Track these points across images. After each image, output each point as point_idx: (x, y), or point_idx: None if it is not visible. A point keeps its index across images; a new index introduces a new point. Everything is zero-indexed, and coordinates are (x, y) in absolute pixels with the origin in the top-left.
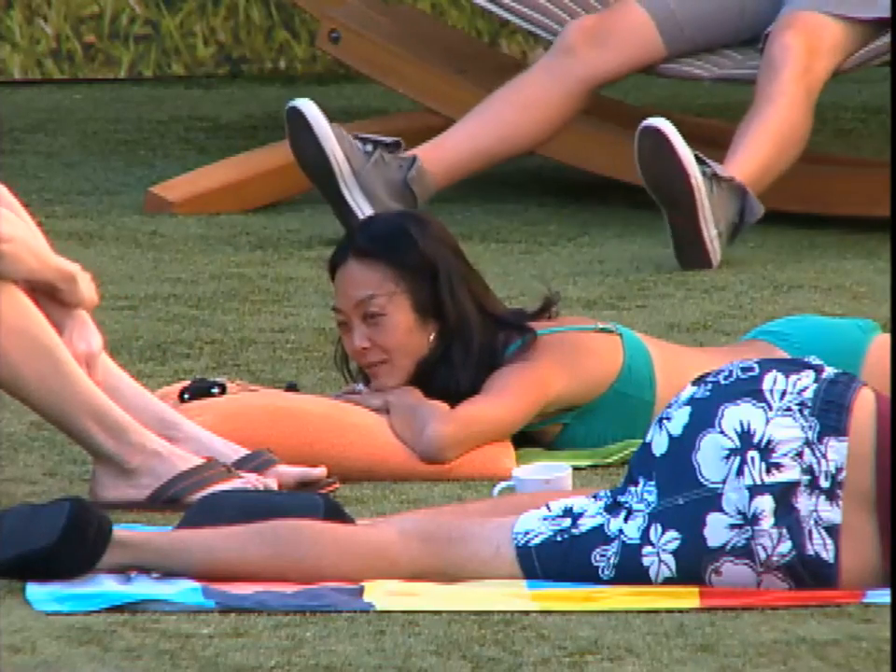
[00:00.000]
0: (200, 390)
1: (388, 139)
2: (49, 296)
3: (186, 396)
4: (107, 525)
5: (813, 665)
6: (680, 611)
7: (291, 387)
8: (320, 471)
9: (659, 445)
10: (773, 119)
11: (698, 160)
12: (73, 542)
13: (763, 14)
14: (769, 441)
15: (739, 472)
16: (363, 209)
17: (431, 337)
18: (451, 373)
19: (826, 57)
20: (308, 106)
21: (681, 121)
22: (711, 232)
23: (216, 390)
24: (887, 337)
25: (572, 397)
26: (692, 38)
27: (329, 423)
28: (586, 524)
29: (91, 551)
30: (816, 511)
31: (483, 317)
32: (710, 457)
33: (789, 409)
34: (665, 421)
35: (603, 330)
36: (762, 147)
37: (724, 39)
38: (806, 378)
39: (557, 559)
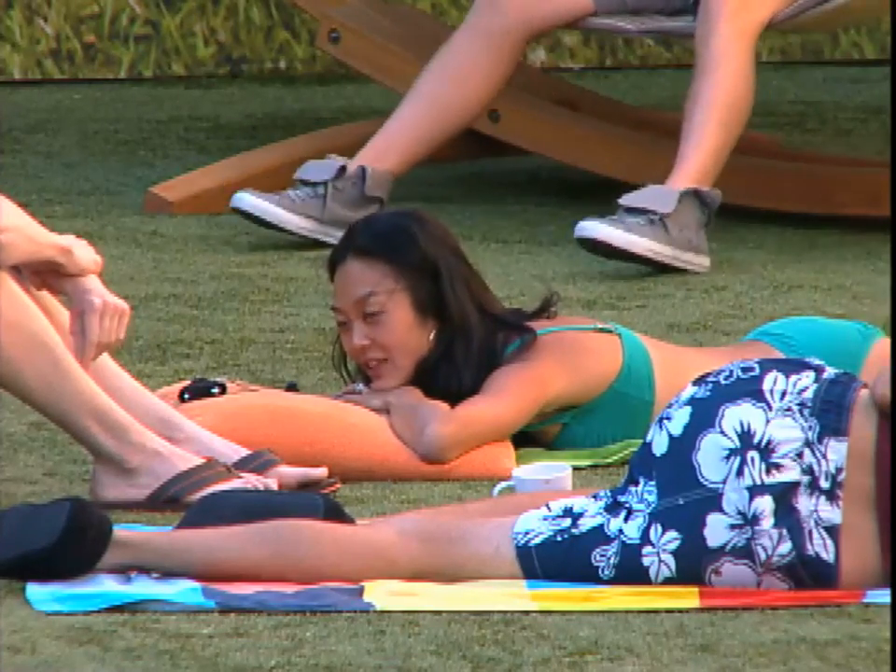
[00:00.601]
0: (200, 390)
1: (331, 171)
2: (54, 272)
3: (186, 396)
4: (107, 525)
5: (813, 665)
6: (680, 611)
7: (291, 387)
8: (321, 472)
9: (659, 445)
10: (717, 94)
11: (635, 211)
12: (73, 542)
13: None
14: (769, 442)
15: (739, 472)
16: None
17: (431, 336)
18: (451, 373)
19: (760, 6)
20: (249, 201)
21: (681, 121)
22: (685, 259)
23: (216, 390)
24: (887, 342)
25: (571, 397)
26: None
27: (329, 423)
28: (586, 524)
29: (92, 551)
30: (816, 511)
31: (482, 317)
32: (710, 457)
33: (789, 409)
34: (665, 421)
35: (602, 331)
36: (711, 133)
37: (655, 4)
38: (807, 378)
39: (557, 559)
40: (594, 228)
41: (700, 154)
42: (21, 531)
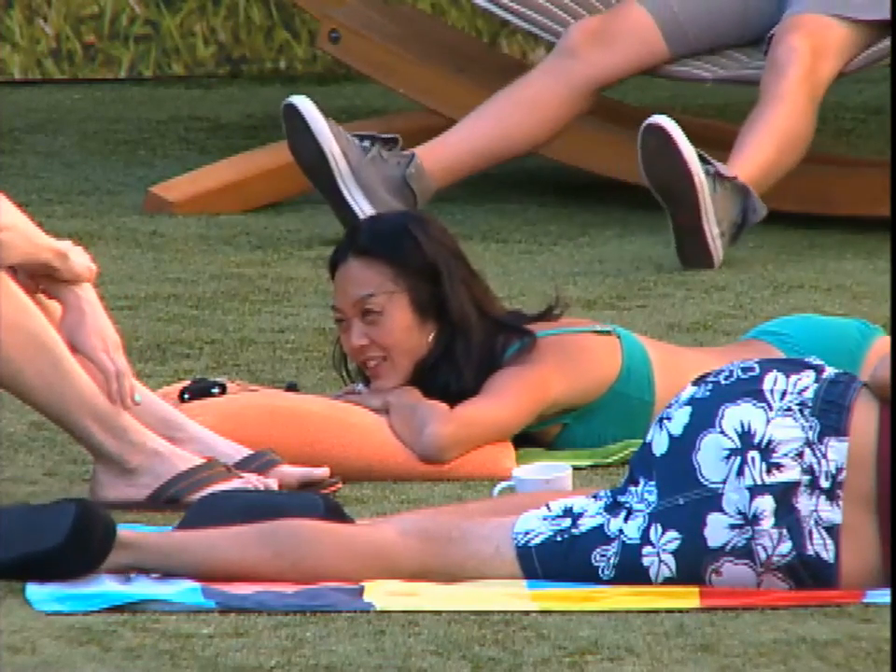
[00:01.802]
0: (200, 390)
1: (386, 136)
2: (48, 276)
3: (186, 396)
4: (112, 526)
5: (813, 665)
6: (680, 611)
7: (291, 387)
8: (322, 472)
9: (659, 445)
10: (777, 121)
11: (702, 159)
12: (79, 544)
13: (766, 15)
14: (769, 442)
15: (740, 472)
16: (362, 206)
17: (430, 337)
18: (450, 374)
19: (831, 59)
20: (304, 103)
21: (681, 122)
22: (714, 231)
23: (216, 390)
24: (887, 340)
25: (570, 400)
26: (695, 40)
27: (330, 423)
28: (586, 524)
29: (97, 551)
30: (816, 511)
31: (482, 319)
32: (711, 457)
33: (789, 409)
34: (665, 421)
35: (601, 332)
36: (764, 148)
37: (727, 41)
38: (807, 378)
39: (557, 559)
40: (669, 122)
41: (753, 160)
42: (23, 531)
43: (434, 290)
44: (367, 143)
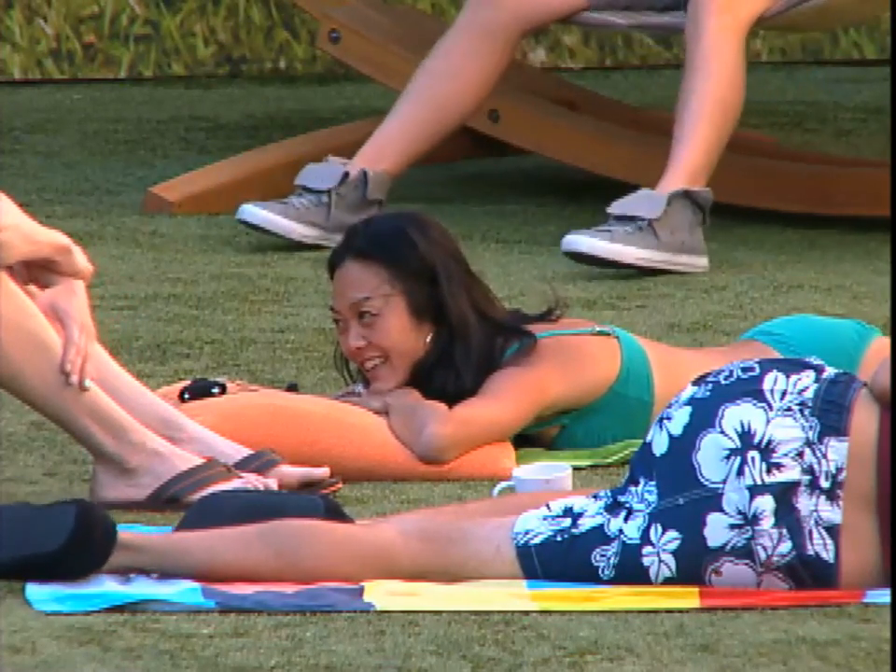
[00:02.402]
0: (200, 390)
1: (335, 178)
2: (45, 267)
3: (186, 396)
4: (112, 527)
5: (813, 665)
6: (680, 611)
7: (291, 387)
8: (323, 472)
9: (659, 445)
10: (707, 94)
11: (626, 220)
12: (80, 547)
13: None
14: (770, 441)
15: (740, 472)
16: None
17: (427, 339)
18: (448, 375)
19: (748, 2)
20: (252, 213)
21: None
22: (680, 261)
23: (216, 390)
24: (885, 341)
25: (569, 401)
26: None
27: (329, 423)
28: (586, 523)
29: (98, 554)
30: (816, 511)
31: (480, 321)
32: (711, 457)
33: (789, 409)
34: (665, 421)
35: (600, 333)
36: (702, 134)
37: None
38: (807, 378)
39: (557, 559)
40: (579, 241)
41: (691, 154)
42: (23, 533)
43: (431, 293)
44: (325, 197)
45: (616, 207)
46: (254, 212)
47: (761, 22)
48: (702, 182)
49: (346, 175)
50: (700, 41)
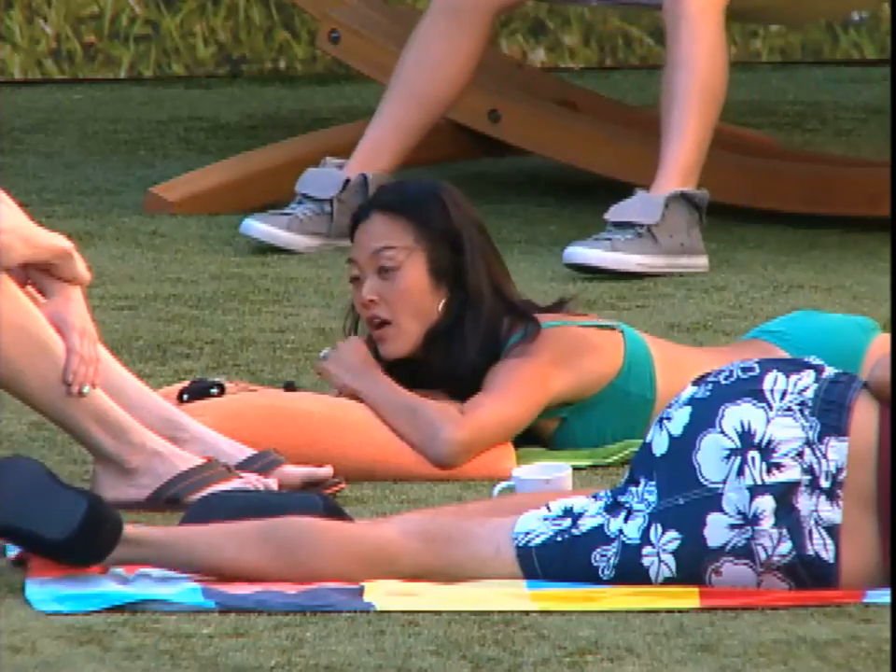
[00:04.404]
0: (198, 391)
1: (337, 185)
2: (44, 270)
3: (184, 397)
4: (119, 525)
5: (813, 665)
6: (680, 611)
7: (289, 386)
8: (326, 471)
9: (659, 445)
10: (690, 85)
11: (622, 225)
12: (85, 541)
13: None
14: (770, 441)
15: (740, 472)
16: None
17: (441, 304)
18: (458, 345)
19: None
20: (258, 228)
21: None
22: (680, 263)
23: (214, 391)
24: (887, 337)
25: (572, 393)
26: None
27: (330, 423)
28: (586, 524)
29: (102, 549)
30: (816, 511)
31: (495, 296)
32: (711, 457)
33: (789, 409)
34: (665, 421)
35: (604, 327)
36: (688, 131)
37: None
38: (807, 378)
39: (557, 559)
40: (582, 254)
41: (683, 152)
42: (33, 506)
43: (453, 258)
44: (327, 206)
45: (614, 214)
46: (257, 227)
47: (735, 2)
48: (695, 179)
49: (347, 181)
50: (679, 22)
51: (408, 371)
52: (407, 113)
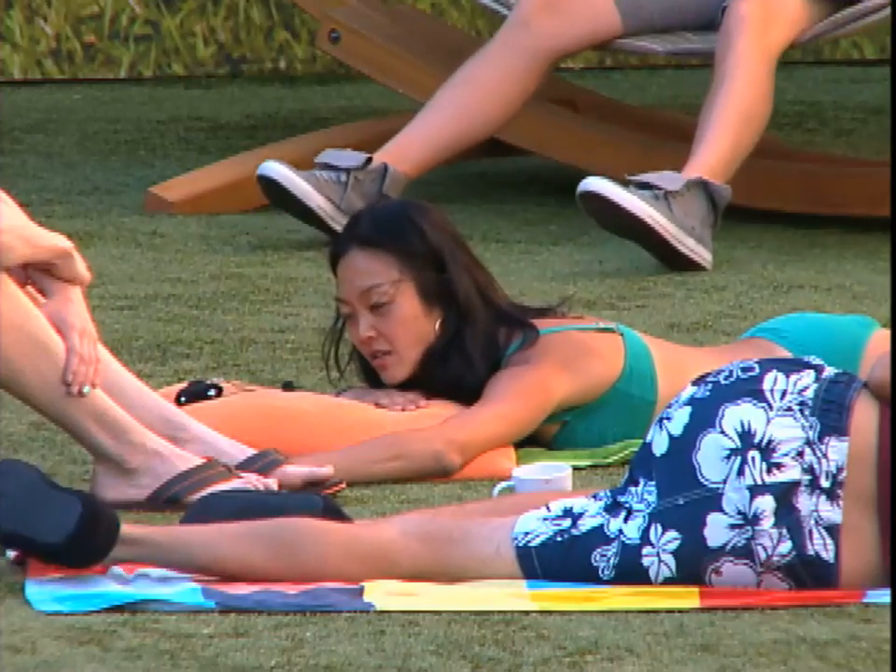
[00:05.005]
0: (196, 393)
1: (358, 160)
2: (44, 270)
3: (182, 399)
4: (116, 525)
5: (813, 665)
6: (680, 611)
7: (287, 386)
8: (327, 471)
9: (659, 445)
10: (732, 101)
11: (644, 186)
12: (81, 543)
13: None
14: (770, 441)
15: (740, 472)
16: None
17: (437, 325)
18: (462, 360)
19: (783, 27)
20: (276, 170)
21: (681, 121)
22: (688, 243)
23: (212, 392)
24: (886, 332)
25: (574, 399)
26: (649, 17)
27: (328, 423)
28: (586, 524)
29: (99, 550)
30: (816, 510)
31: (486, 307)
32: (711, 457)
33: (789, 408)
34: (665, 421)
35: (604, 330)
36: (724, 134)
37: (683, 21)
38: (807, 378)
39: (557, 559)
40: (600, 184)
41: (711, 152)
42: (29, 511)
43: (438, 277)
44: (343, 176)
45: (635, 176)
46: (276, 168)
47: (795, 46)
48: (720, 181)
49: (369, 160)
50: (727, 59)
51: (414, 388)
52: (446, 127)
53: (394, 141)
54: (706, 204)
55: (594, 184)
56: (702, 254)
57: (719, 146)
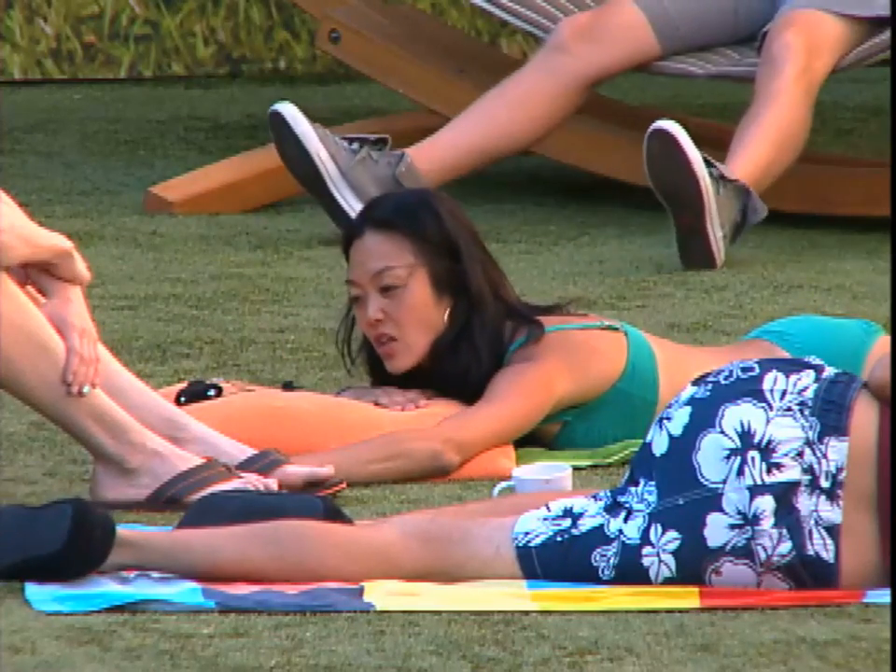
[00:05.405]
0: (196, 393)
1: (375, 136)
2: (44, 270)
3: (182, 399)
4: (111, 526)
5: (813, 664)
6: (680, 611)
7: (287, 386)
8: (327, 471)
9: (659, 445)
10: (772, 119)
11: (705, 161)
12: (79, 547)
13: (758, 13)
14: (770, 441)
15: (740, 472)
16: (353, 207)
17: (446, 314)
18: (471, 351)
19: (826, 55)
20: (289, 110)
21: (681, 121)
22: (717, 233)
23: (212, 392)
24: (889, 339)
25: (576, 397)
26: (686, 37)
27: (328, 423)
28: (586, 524)
29: (98, 553)
30: (816, 510)
31: (495, 300)
32: (711, 457)
33: (789, 409)
34: (665, 421)
35: (608, 328)
36: (761, 147)
37: (720, 38)
38: (807, 378)
39: (557, 559)
40: (676, 128)
41: (749, 164)
42: (20, 536)
43: (452, 267)
44: (355, 145)
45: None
46: (290, 110)
47: (836, 71)
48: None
49: (386, 141)
50: (772, 83)
51: (418, 382)
52: (476, 136)
53: (422, 142)
54: (738, 213)
55: (670, 126)
56: (721, 250)
57: (758, 156)
